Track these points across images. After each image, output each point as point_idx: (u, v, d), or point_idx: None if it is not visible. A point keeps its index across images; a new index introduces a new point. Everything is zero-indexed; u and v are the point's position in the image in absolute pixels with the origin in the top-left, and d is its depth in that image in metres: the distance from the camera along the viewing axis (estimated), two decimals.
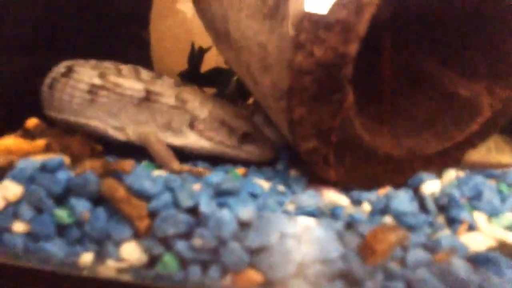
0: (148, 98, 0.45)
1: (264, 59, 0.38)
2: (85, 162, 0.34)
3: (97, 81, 0.46)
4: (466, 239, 0.33)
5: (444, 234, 0.33)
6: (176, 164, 0.43)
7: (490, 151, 0.69)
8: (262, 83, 0.40)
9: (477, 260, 0.29)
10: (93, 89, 0.45)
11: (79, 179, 0.34)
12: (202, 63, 0.78)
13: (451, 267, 0.28)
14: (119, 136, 0.46)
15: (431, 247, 0.31)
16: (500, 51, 0.44)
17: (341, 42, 0.33)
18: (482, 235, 0.33)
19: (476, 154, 0.68)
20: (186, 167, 0.43)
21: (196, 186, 0.37)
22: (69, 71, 0.47)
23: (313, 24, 0.32)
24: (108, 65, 0.50)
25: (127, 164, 0.33)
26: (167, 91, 0.46)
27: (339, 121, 0.38)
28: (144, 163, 0.44)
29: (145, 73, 0.52)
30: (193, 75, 0.74)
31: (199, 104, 0.46)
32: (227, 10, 0.47)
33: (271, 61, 0.37)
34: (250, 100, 0.74)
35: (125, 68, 0.51)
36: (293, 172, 0.46)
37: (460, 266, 0.28)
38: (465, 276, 0.28)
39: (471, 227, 0.35)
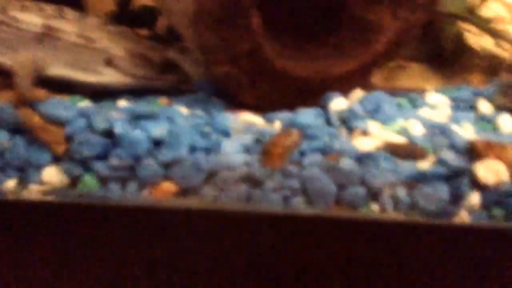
0: (47, 34, 0.46)
1: None
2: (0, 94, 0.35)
3: None
4: (357, 143, 0.37)
5: (339, 140, 0.37)
6: (25, 86, 0.43)
7: (415, 79, 0.73)
8: (176, 12, 0.42)
9: (362, 158, 0.34)
10: None
11: None
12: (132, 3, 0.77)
13: (338, 164, 0.32)
14: None
15: (326, 151, 0.35)
16: None
17: None
18: (372, 139, 0.38)
19: (402, 82, 0.73)
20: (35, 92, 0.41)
21: (114, 114, 0.39)
22: None
23: None
24: (25, 2, 0.50)
25: (41, 92, 0.35)
26: (68, 28, 0.46)
27: (248, 46, 0.40)
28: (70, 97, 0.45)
29: (70, 13, 0.52)
30: (122, 16, 0.74)
31: (110, 42, 0.47)
32: None
33: None
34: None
35: (48, 7, 0.51)
36: (214, 100, 0.48)
37: (346, 163, 0.33)
38: (348, 169, 0.32)
39: (365, 133, 0.39)
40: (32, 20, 0.46)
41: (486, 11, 0.77)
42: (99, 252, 0.33)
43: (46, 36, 0.46)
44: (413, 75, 0.74)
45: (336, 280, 0.32)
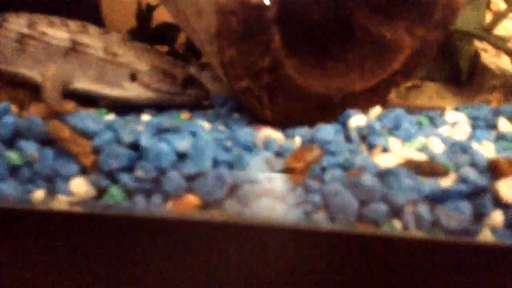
0: (74, 48, 0.47)
1: (197, 4, 0.41)
2: (30, 106, 0.36)
3: (25, 30, 0.47)
4: (378, 160, 0.37)
5: (360, 156, 0.37)
6: (54, 99, 0.45)
7: (432, 98, 0.74)
8: (198, 29, 0.43)
9: (383, 174, 0.34)
10: (22, 38, 0.47)
11: (25, 122, 0.36)
12: (152, 20, 0.79)
13: (360, 179, 0.33)
14: None
15: (346, 167, 0.36)
16: None
17: None
18: (393, 155, 0.38)
19: (418, 101, 0.73)
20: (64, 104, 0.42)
21: (139, 127, 0.40)
22: (2, 21, 0.48)
23: None
24: (51, 18, 0.51)
25: (70, 105, 0.36)
26: (94, 43, 0.48)
27: (268, 62, 0.41)
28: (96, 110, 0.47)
29: (93, 29, 0.54)
30: (142, 32, 0.75)
31: (135, 57, 0.48)
32: None
33: (202, 6, 0.40)
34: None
35: (71, 23, 0.53)
36: (235, 115, 0.49)
37: (367, 179, 0.33)
38: (370, 185, 0.32)
39: (385, 150, 0.39)
40: (60, 35, 0.47)
41: (502, 31, 0.77)
42: (124, 263, 0.34)
43: (73, 51, 0.47)
44: (430, 94, 0.74)
45: None
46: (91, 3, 0.81)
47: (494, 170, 0.32)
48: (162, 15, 0.78)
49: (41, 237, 0.35)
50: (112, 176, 0.35)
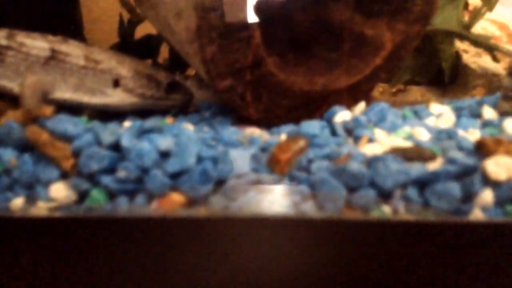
0: (54, 57, 0.46)
1: (176, 5, 0.41)
2: (7, 113, 0.35)
3: (3, 41, 0.47)
4: (365, 149, 0.37)
5: (346, 147, 0.37)
6: (33, 107, 0.44)
7: (417, 101, 0.74)
8: (178, 31, 0.43)
9: (371, 161, 0.33)
10: (1, 50, 0.46)
11: (2, 128, 0.35)
12: (135, 34, 0.79)
13: (347, 167, 0.32)
14: None
15: (333, 158, 0.35)
16: None
17: None
18: (379, 145, 0.37)
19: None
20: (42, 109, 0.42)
21: (120, 130, 0.39)
22: None
23: None
24: (31, 33, 0.51)
25: (47, 109, 0.35)
26: (74, 51, 0.47)
27: (250, 59, 0.41)
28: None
29: (74, 41, 0.53)
30: (124, 46, 0.75)
31: (117, 63, 0.47)
32: None
33: (182, 6, 0.40)
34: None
35: (52, 37, 0.52)
36: (219, 118, 0.49)
37: (354, 165, 0.32)
38: (357, 171, 0.32)
39: (371, 141, 0.39)
40: (38, 44, 0.47)
41: (481, 31, 0.78)
42: (109, 267, 0.33)
43: (53, 60, 0.46)
44: (415, 98, 0.75)
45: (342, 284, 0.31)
46: (73, 20, 0.81)
47: (481, 149, 0.32)
48: (146, 30, 0.78)
49: (21, 245, 0.34)
50: (93, 179, 0.34)
